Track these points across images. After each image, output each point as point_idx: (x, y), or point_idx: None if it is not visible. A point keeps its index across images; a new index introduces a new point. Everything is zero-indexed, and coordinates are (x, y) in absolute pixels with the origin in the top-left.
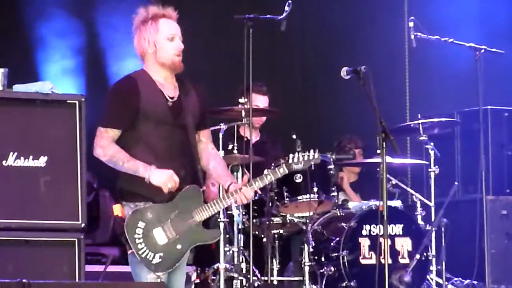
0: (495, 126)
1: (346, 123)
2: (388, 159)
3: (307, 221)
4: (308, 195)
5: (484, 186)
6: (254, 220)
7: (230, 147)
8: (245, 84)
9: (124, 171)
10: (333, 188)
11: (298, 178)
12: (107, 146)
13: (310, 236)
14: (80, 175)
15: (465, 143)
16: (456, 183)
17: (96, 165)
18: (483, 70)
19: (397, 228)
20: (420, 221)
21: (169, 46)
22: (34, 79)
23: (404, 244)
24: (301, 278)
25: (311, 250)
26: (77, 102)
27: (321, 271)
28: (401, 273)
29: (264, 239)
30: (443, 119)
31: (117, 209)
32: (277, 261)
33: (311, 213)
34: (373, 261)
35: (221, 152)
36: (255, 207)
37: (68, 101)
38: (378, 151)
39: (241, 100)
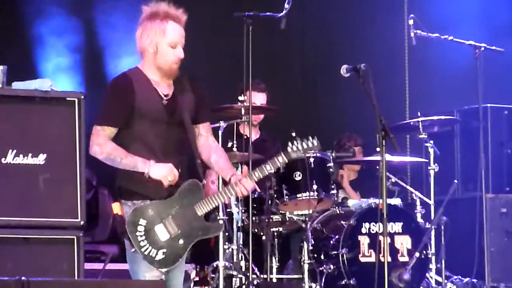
0: (494, 124)
1: (346, 121)
2: (388, 157)
3: (307, 219)
4: (307, 193)
5: (484, 184)
6: (254, 218)
7: (229, 145)
8: (244, 82)
9: (122, 167)
10: (333, 186)
11: (298, 176)
12: (103, 144)
13: (310, 234)
14: (79, 173)
15: (464, 141)
16: (455, 181)
17: (95, 163)
18: (483, 68)
19: (397, 226)
20: (419, 219)
21: (170, 52)
22: (33, 77)
23: (404, 242)
24: (301, 276)
25: (311, 248)
26: (76, 100)
27: (321, 269)
28: (400, 271)
29: (264, 237)
30: (442, 117)
31: (116, 208)
32: (277, 259)
33: (311, 211)
34: (372, 259)
35: None
36: (255, 205)
37: (68, 99)
38: (378, 149)
39: (241, 98)
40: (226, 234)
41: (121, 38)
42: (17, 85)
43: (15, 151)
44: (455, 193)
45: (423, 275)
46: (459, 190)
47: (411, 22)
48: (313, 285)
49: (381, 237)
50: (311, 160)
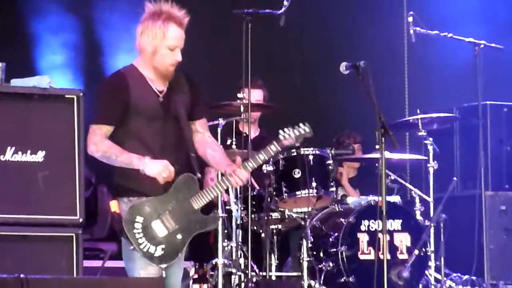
0: (494, 121)
1: (345, 118)
2: (387, 154)
3: (306, 216)
4: (306, 191)
5: (483, 181)
6: (253, 216)
7: (228, 142)
8: (243, 79)
9: (118, 165)
10: (332, 184)
11: (297, 174)
12: (99, 142)
13: (309, 231)
14: (78, 170)
15: (464, 139)
16: (455, 178)
17: (94, 160)
18: (482, 65)
19: (396, 224)
20: (419, 217)
21: (168, 55)
22: (31, 74)
23: (403, 240)
24: (300, 273)
25: (310, 245)
26: (75, 97)
27: (320, 266)
28: (399, 268)
29: (263, 235)
30: (442, 115)
31: (114, 206)
32: (276, 256)
33: (310, 209)
34: (371, 256)
35: None
36: (254, 203)
37: (66, 96)
38: (377, 147)
39: (239, 95)
40: (225, 231)
41: (119, 36)
42: (15, 82)
43: (13, 148)
44: (455, 191)
45: (422, 272)
46: (459, 188)
47: (410, 19)
48: (312, 282)
49: (380, 235)
50: (310, 157)
